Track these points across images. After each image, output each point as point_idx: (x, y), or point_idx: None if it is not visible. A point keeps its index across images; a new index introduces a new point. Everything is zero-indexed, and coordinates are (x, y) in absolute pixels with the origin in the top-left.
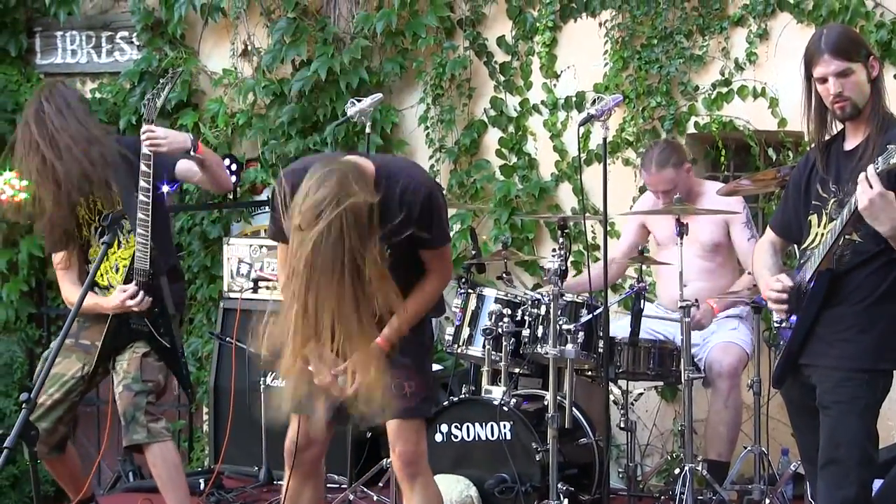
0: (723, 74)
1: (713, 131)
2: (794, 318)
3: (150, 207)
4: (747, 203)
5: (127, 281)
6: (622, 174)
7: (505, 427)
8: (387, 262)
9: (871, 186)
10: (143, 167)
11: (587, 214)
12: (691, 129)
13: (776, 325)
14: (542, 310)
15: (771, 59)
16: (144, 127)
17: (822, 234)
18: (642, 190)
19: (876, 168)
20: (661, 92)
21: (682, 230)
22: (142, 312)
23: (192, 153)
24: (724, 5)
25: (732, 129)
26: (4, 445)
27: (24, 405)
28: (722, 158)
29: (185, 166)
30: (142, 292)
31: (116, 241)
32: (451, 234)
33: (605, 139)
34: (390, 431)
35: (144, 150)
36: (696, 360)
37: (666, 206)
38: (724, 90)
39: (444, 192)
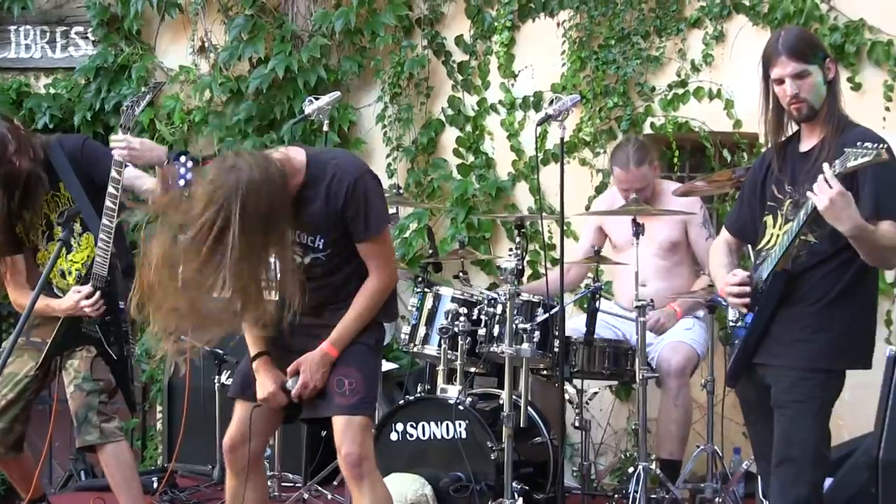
0: (679, 76)
1: (669, 132)
2: (748, 317)
3: (115, 214)
4: (703, 202)
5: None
6: (579, 174)
7: (460, 426)
8: (300, 260)
9: (830, 187)
10: (113, 173)
11: (544, 214)
12: (647, 130)
13: (731, 323)
14: (499, 309)
15: (727, 61)
16: (119, 136)
17: (778, 235)
18: (599, 190)
19: (833, 169)
20: (618, 92)
21: (638, 230)
22: (94, 318)
23: (164, 167)
24: (681, 7)
25: (688, 129)
26: None
27: None
28: (675, 159)
29: (134, 173)
30: (98, 294)
31: (67, 246)
32: (408, 233)
33: (562, 139)
34: (336, 432)
35: (117, 156)
36: (649, 359)
37: (622, 207)
38: (681, 91)
39: (402, 190)
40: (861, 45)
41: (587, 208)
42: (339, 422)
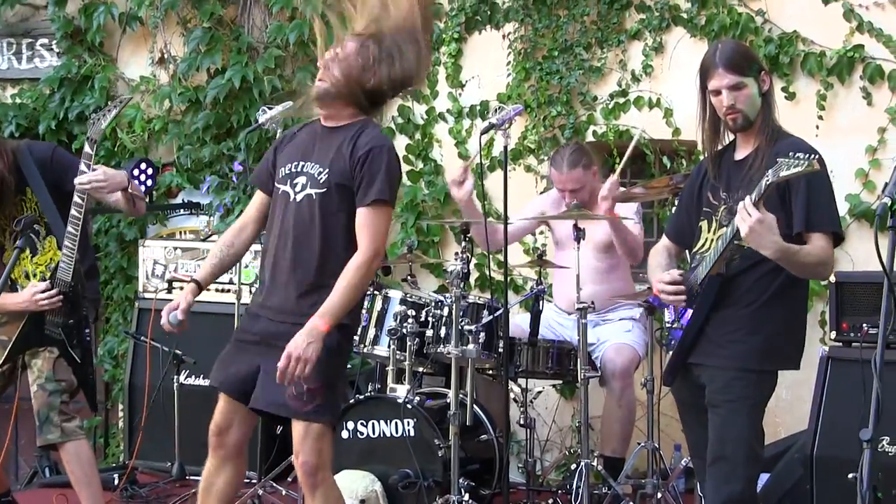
0: (620, 85)
1: (610, 140)
2: (684, 319)
3: (80, 223)
4: (643, 208)
5: None
6: (524, 180)
7: (408, 424)
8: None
9: (749, 215)
10: (76, 199)
11: (490, 219)
12: (590, 138)
13: (667, 325)
14: (445, 311)
15: (666, 72)
16: (82, 178)
17: (713, 240)
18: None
19: (766, 182)
20: (561, 102)
21: (579, 235)
22: (56, 320)
23: (127, 190)
24: (622, 20)
25: (629, 137)
26: None
27: None
28: (615, 166)
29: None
30: (54, 289)
31: (31, 249)
32: None
33: (505, 147)
34: (295, 437)
35: (79, 187)
36: (592, 358)
37: (563, 212)
38: (622, 100)
39: None
40: (795, 56)
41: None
42: (297, 427)
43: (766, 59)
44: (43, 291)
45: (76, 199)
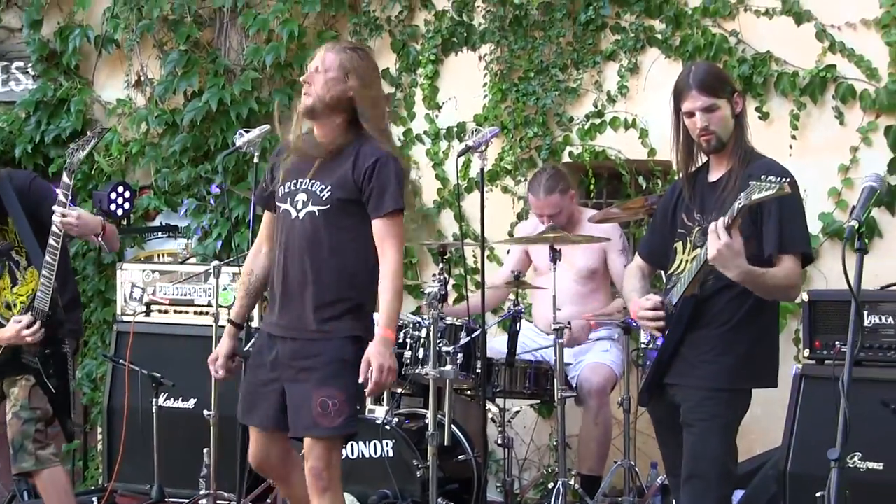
0: (596, 106)
1: (586, 160)
2: (659, 339)
3: (58, 252)
4: (621, 228)
5: None
6: (501, 201)
7: (387, 445)
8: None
9: (719, 238)
10: (54, 229)
11: (467, 241)
12: (566, 159)
13: (643, 345)
14: (423, 332)
15: (641, 92)
16: (60, 211)
17: (687, 261)
18: (520, 216)
19: (738, 205)
20: (537, 123)
21: (555, 256)
22: (32, 349)
23: (98, 237)
24: (597, 41)
25: (605, 158)
26: None
27: None
28: (592, 186)
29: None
30: (38, 323)
31: (12, 278)
32: None
33: (482, 169)
34: (305, 446)
35: (56, 221)
36: (569, 378)
37: (539, 234)
38: (598, 121)
39: None
40: (768, 76)
41: (510, 234)
42: (311, 441)
43: (740, 79)
44: (28, 327)
45: (54, 228)
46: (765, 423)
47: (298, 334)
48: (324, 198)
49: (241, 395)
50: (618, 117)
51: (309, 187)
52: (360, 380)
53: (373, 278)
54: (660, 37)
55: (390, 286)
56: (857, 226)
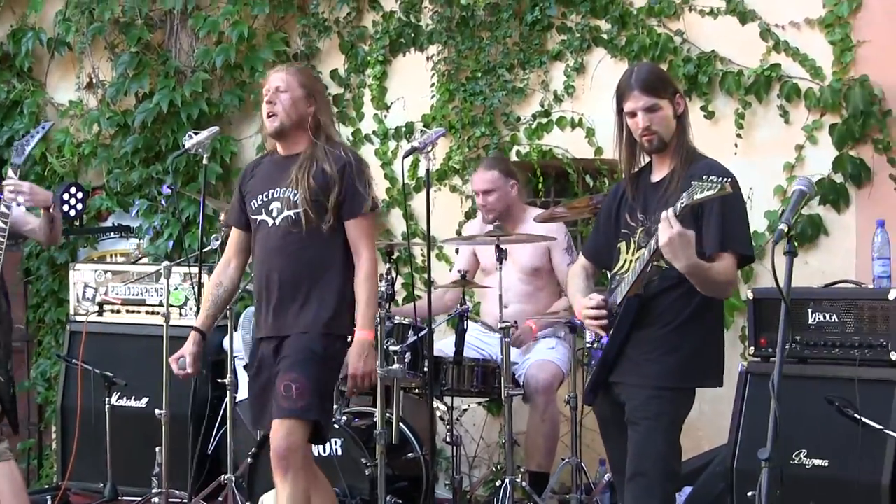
0: (542, 106)
1: (534, 159)
2: (604, 339)
3: (2, 248)
4: (567, 227)
5: None
6: (449, 200)
7: (336, 443)
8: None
9: (671, 226)
10: (2, 209)
11: (414, 240)
12: (514, 158)
13: (588, 345)
14: None
15: (588, 92)
16: (10, 180)
17: (631, 261)
18: (468, 215)
19: (680, 204)
20: (485, 122)
21: (500, 255)
22: None
23: (50, 210)
24: (544, 41)
25: (552, 157)
26: None
27: None
28: (539, 185)
29: (19, 215)
30: None
31: None
32: None
33: (427, 169)
34: (272, 431)
35: (6, 195)
36: (516, 376)
37: (486, 233)
38: (544, 121)
39: None
40: (713, 75)
41: (458, 233)
42: (275, 423)
43: (685, 78)
44: None
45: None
46: (712, 420)
47: (278, 332)
48: (297, 202)
49: (248, 404)
50: (564, 117)
51: (282, 195)
52: (340, 377)
53: (344, 280)
54: (605, 37)
55: (366, 288)
56: (786, 229)
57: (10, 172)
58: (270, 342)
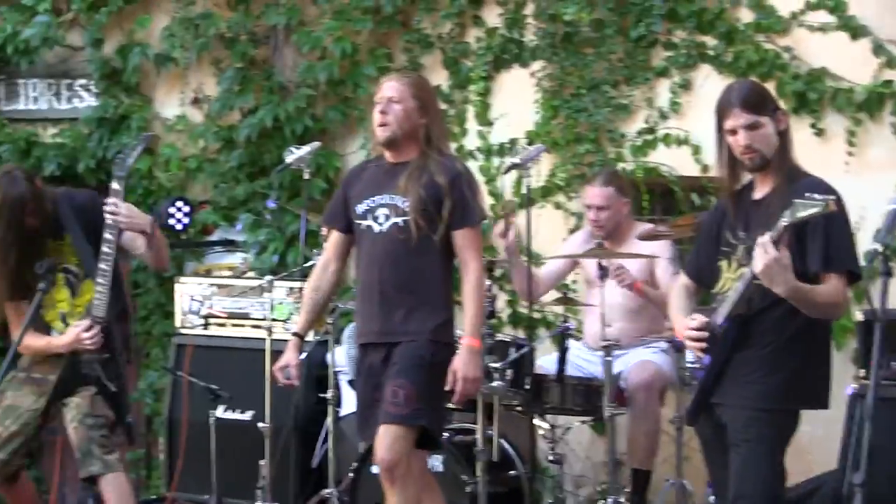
0: (647, 123)
1: (638, 177)
2: (706, 358)
3: (112, 260)
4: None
5: None
6: (553, 217)
7: (437, 459)
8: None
9: (766, 252)
10: (108, 219)
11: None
12: None
13: (689, 365)
14: None
15: (693, 109)
16: (111, 200)
17: (732, 280)
18: (572, 232)
19: (782, 224)
20: (589, 139)
21: (603, 273)
22: (92, 357)
23: (148, 232)
24: (649, 57)
25: (657, 174)
26: None
27: None
28: (644, 203)
29: (128, 237)
30: (96, 327)
31: (70, 291)
32: None
33: (528, 186)
34: (377, 437)
35: (106, 215)
36: (621, 387)
37: (588, 251)
38: (650, 138)
39: None
40: (823, 92)
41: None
42: (381, 429)
43: (794, 95)
44: (87, 330)
45: (106, 235)
46: (824, 443)
47: (386, 339)
48: (406, 209)
49: (356, 414)
50: (670, 134)
51: (390, 201)
52: (447, 387)
53: (449, 288)
54: (712, 53)
55: (474, 296)
56: (880, 248)
57: (115, 185)
58: (378, 350)
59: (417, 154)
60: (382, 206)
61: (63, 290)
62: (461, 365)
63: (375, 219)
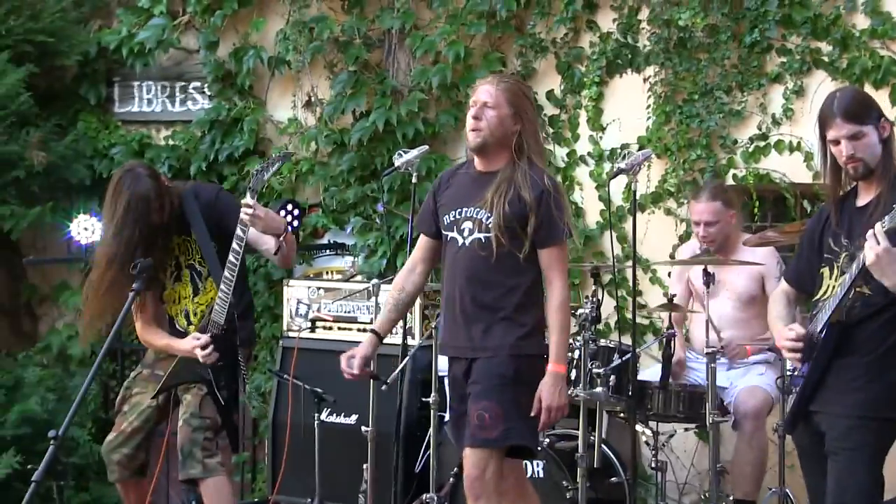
0: (760, 129)
1: (750, 183)
2: (805, 367)
3: (237, 268)
4: (781, 255)
5: (201, 329)
6: (664, 223)
7: (538, 465)
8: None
9: (878, 242)
10: (238, 232)
11: (627, 263)
12: (730, 181)
13: (788, 373)
14: (576, 354)
15: (807, 115)
16: (249, 201)
17: (834, 287)
18: (683, 239)
19: (883, 225)
20: (701, 145)
21: (708, 279)
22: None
23: (280, 237)
24: (763, 63)
25: (769, 181)
26: (32, 479)
27: (52, 441)
28: (755, 209)
29: (254, 234)
30: (212, 346)
31: (194, 288)
32: None
33: (634, 192)
34: (464, 456)
35: (243, 217)
36: (725, 403)
37: (693, 257)
38: (762, 144)
39: None
40: None
41: (671, 256)
42: (467, 450)
43: None
44: (203, 347)
45: (234, 245)
46: None
47: (465, 354)
48: (490, 225)
49: (450, 420)
50: (782, 140)
51: (474, 215)
52: (532, 414)
53: (534, 301)
54: (826, 59)
55: (558, 319)
56: None
57: (248, 197)
58: (459, 363)
59: (507, 163)
60: (467, 219)
61: (188, 286)
62: (546, 393)
63: (461, 232)
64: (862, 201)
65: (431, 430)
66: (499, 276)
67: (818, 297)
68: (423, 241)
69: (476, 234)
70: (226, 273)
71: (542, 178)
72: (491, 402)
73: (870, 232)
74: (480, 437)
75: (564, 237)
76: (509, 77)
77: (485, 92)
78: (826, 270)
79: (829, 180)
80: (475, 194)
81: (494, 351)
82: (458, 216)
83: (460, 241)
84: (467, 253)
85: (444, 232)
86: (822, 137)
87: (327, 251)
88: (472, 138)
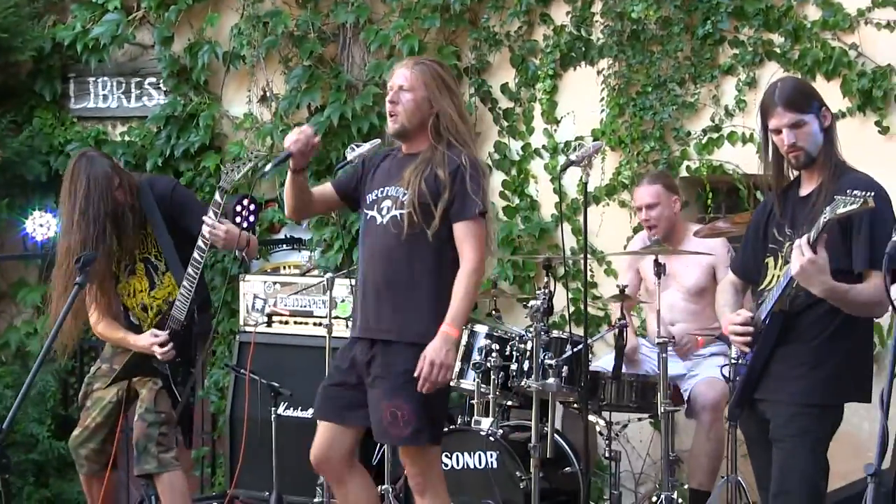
0: (713, 121)
1: (703, 175)
2: (749, 355)
3: (201, 266)
4: (732, 245)
5: (159, 325)
6: (618, 215)
7: (491, 456)
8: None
9: (803, 254)
10: (200, 244)
11: (570, 255)
12: (683, 173)
13: (734, 361)
14: (528, 345)
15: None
16: (210, 220)
17: (778, 276)
18: (637, 230)
19: (823, 220)
20: (654, 137)
21: (659, 270)
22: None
23: (242, 252)
24: (715, 55)
25: (722, 172)
26: None
27: None
28: (709, 201)
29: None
30: (171, 343)
31: (150, 282)
32: None
33: (585, 184)
34: (401, 457)
35: (203, 232)
36: (682, 391)
37: (643, 248)
38: (715, 136)
39: None
40: (888, 89)
41: (625, 248)
42: (401, 449)
43: (859, 93)
44: (161, 345)
45: (200, 243)
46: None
47: (371, 335)
48: (405, 202)
49: (318, 393)
50: (735, 132)
51: (394, 193)
52: (415, 374)
53: (445, 286)
54: (778, 50)
55: (463, 284)
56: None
57: (217, 197)
58: (364, 345)
59: (429, 146)
60: (387, 197)
61: (143, 279)
62: (431, 351)
63: (380, 210)
64: (805, 191)
65: None
66: (409, 256)
67: (763, 286)
68: (326, 186)
69: (393, 212)
70: (189, 270)
71: (459, 156)
72: (401, 401)
73: (797, 243)
74: (397, 435)
75: (478, 213)
76: (425, 58)
77: (400, 76)
78: (771, 260)
79: (772, 170)
80: (397, 174)
81: (398, 334)
82: (379, 195)
83: (379, 219)
84: (383, 231)
85: (364, 211)
86: (765, 127)
87: (284, 246)
88: (391, 124)
